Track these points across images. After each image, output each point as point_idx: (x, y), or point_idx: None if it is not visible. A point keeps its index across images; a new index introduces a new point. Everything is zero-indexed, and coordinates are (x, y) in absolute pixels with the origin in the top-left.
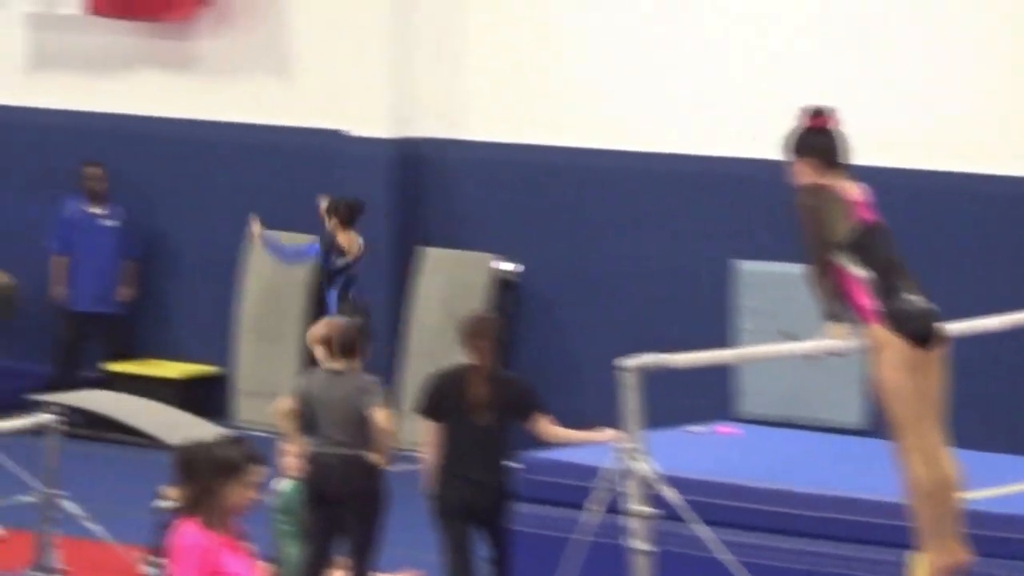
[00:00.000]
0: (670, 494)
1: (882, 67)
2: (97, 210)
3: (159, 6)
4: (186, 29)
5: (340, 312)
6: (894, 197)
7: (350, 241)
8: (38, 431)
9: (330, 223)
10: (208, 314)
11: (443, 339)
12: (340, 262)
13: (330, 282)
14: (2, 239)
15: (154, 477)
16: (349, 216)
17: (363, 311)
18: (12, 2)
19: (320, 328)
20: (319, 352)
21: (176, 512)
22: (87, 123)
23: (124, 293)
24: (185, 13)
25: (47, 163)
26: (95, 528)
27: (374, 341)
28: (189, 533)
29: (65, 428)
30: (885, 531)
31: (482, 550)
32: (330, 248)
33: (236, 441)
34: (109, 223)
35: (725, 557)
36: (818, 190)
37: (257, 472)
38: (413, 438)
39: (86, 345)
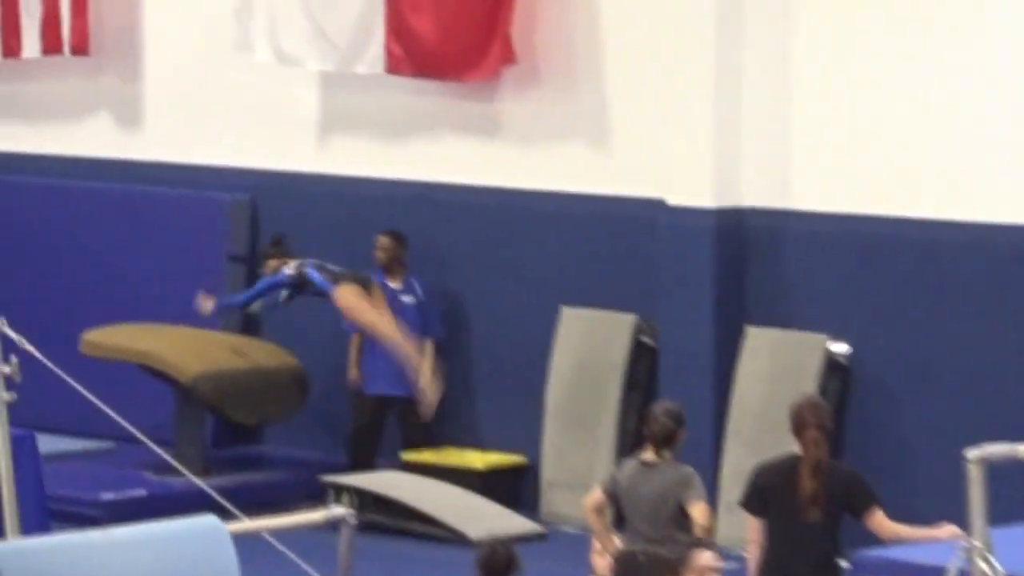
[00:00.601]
0: None
1: None
2: (393, 284)
3: (462, 65)
4: (491, 89)
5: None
6: None
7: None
8: (331, 525)
9: (274, 265)
10: (513, 398)
11: (768, 426)
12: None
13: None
14: (293, 316)
15: (455, 575)
16: (281, 250)
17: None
18: (306, 61)
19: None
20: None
21: None
22: (384, 190)
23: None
24: (490, 72)
25: (341, 234)
26: None
27: (692, 428)
28: None
29: (358, 523)
30: None
31: None
32: (298, 285)
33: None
34: (406, 299)
35: None
36: None
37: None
38: (734, 534)
39: (382, 433)
